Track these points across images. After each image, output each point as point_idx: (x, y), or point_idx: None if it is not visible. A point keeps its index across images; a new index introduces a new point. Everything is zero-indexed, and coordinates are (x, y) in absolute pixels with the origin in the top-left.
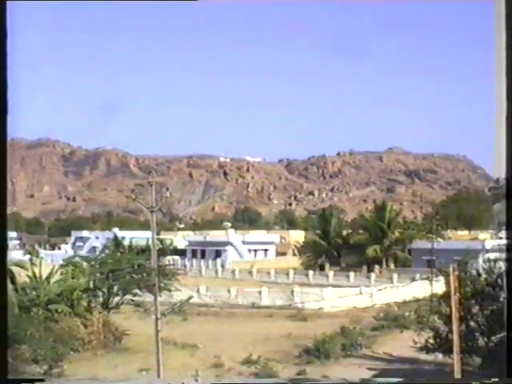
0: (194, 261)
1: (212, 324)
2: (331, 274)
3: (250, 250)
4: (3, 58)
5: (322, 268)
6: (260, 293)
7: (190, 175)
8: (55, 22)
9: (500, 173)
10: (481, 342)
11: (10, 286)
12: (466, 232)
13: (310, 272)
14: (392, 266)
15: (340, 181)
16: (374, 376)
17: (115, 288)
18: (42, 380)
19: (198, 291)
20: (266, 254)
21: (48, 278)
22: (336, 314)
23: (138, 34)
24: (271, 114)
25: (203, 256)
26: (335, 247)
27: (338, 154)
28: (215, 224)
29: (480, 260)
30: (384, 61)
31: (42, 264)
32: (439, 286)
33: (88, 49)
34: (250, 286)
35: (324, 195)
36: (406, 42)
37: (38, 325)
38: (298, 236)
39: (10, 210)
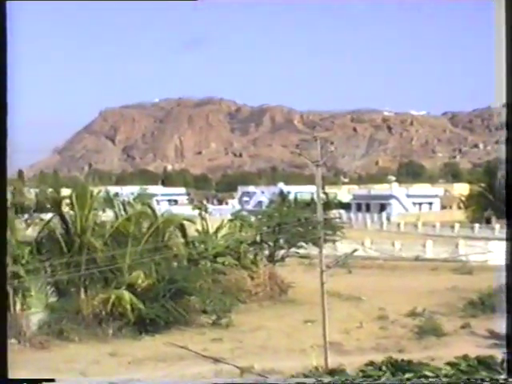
0: (359, 214)
1: (376, 277)
2: (497, 227)
3: (414, 204)
4: (3, 57)
5: (488, 221)
6: (424, 246)
7: (354, 130)
8: None
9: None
10: None
11: (180, 240)
12: None
13: (476, 225)
14: None
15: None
16: None
17: (281, 241)
18: (46, 380)
19: (362, 244)
20: (430, 208)
21: (216, 231)
22: (502, 267)
23: None
24: (434, 68)
25: (368, 209)
26: (502, 200)
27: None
28: (379, 178)
29: None
30: None
31: (210, 218)
32: None
33: None
34: (414, 239)
35: (489, 148)
36: None
37: (206, 277)
38: (462, 189)
39: (178, 166)
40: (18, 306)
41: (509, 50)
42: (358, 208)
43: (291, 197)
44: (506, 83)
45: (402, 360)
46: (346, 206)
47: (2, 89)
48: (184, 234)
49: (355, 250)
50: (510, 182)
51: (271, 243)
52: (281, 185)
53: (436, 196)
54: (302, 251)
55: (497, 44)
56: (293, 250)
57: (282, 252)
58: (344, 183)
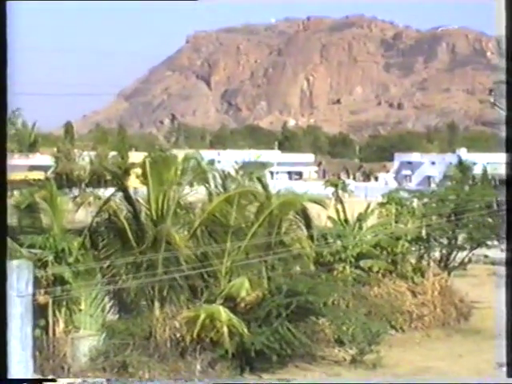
0: None
1: None
2: None
3: None
4: (3, 54)
5: None
6: None
7: None
8: None
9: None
10: None
11: (303, 233)
12: None
13: None
14: None
15: None
16: None
17: (460, 238)
18: (46, 380)
19: None
20: None
21: (360, 221)
22: None
23: None
24: None
25: None
26: None
27: None
28: None
29: None
30: None
31: (350, 200)
32: None
33: None
34: None
35: None
36: None
37: (343, 289)
38: None
39: (304, 121)
40: (61, 326)
41: None
42: None
43: (478, 169)
44: None
45: None
46: None
47: (1, 90)
48: (309, 224)
49: None
50: None
51: (445, 240)
52: (462, 152)
53: None
54: (493, 254)
55: None
56: (479, 251)
57: (461, 254)
58: None
